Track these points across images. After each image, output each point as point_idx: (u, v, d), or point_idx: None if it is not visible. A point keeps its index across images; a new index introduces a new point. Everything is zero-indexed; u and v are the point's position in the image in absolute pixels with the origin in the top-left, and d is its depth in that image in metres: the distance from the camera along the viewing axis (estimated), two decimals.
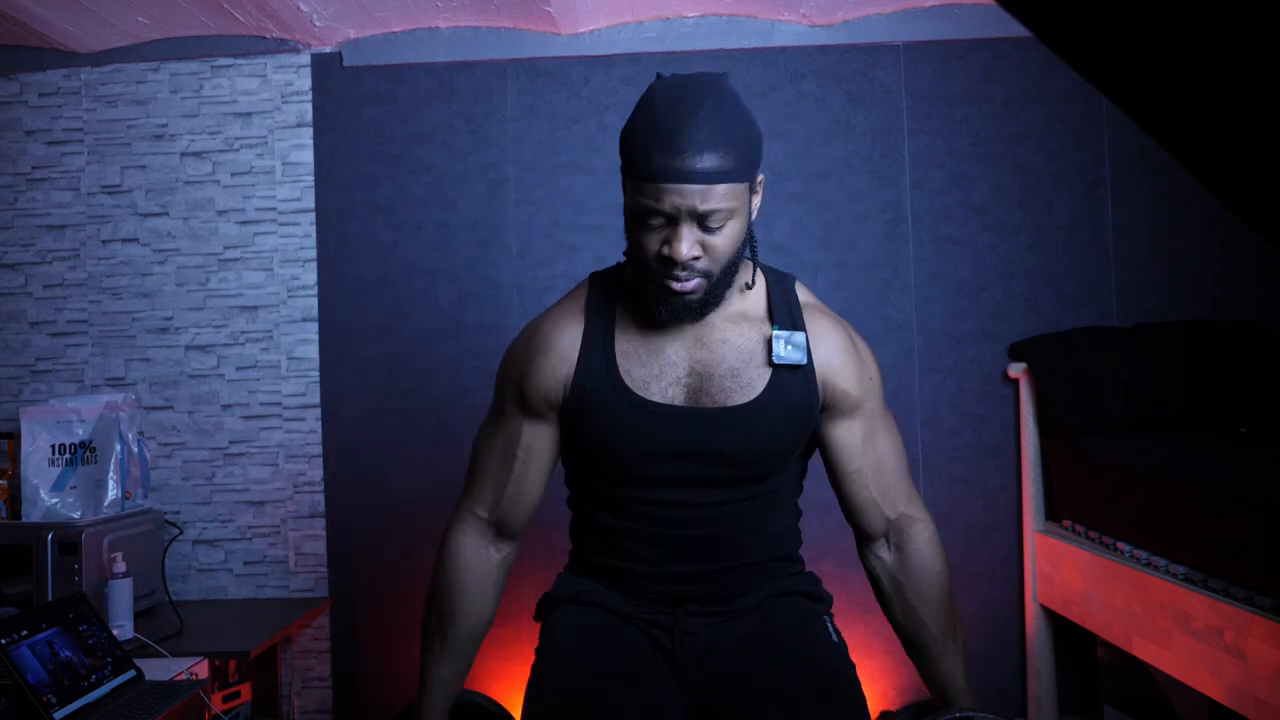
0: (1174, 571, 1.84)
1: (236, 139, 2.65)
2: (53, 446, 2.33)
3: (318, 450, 2.61)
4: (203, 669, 1.97)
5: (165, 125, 2.66)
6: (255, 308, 2.64)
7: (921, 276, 2.57)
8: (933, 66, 2.58)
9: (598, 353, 1.27)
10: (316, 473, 2.61)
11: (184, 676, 1.89)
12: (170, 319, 2.65)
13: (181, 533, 2.57)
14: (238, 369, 2.64)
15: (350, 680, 2.58)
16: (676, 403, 1.25)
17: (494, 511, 1.34)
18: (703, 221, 1.14)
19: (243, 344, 2.64)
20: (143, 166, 2.66)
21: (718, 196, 1.12)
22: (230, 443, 2.64)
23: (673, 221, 1.14)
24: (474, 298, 2.60)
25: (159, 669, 1.88)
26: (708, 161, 1.11)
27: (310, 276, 2.64)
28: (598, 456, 1.29)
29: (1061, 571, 2.29)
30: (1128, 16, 0.37)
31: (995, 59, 2.57)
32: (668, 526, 1.28)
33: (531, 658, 1.36)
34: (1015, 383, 2.53)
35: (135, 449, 2.43)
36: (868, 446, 1.32)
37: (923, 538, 1.33)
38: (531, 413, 1.31)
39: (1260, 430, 2.32)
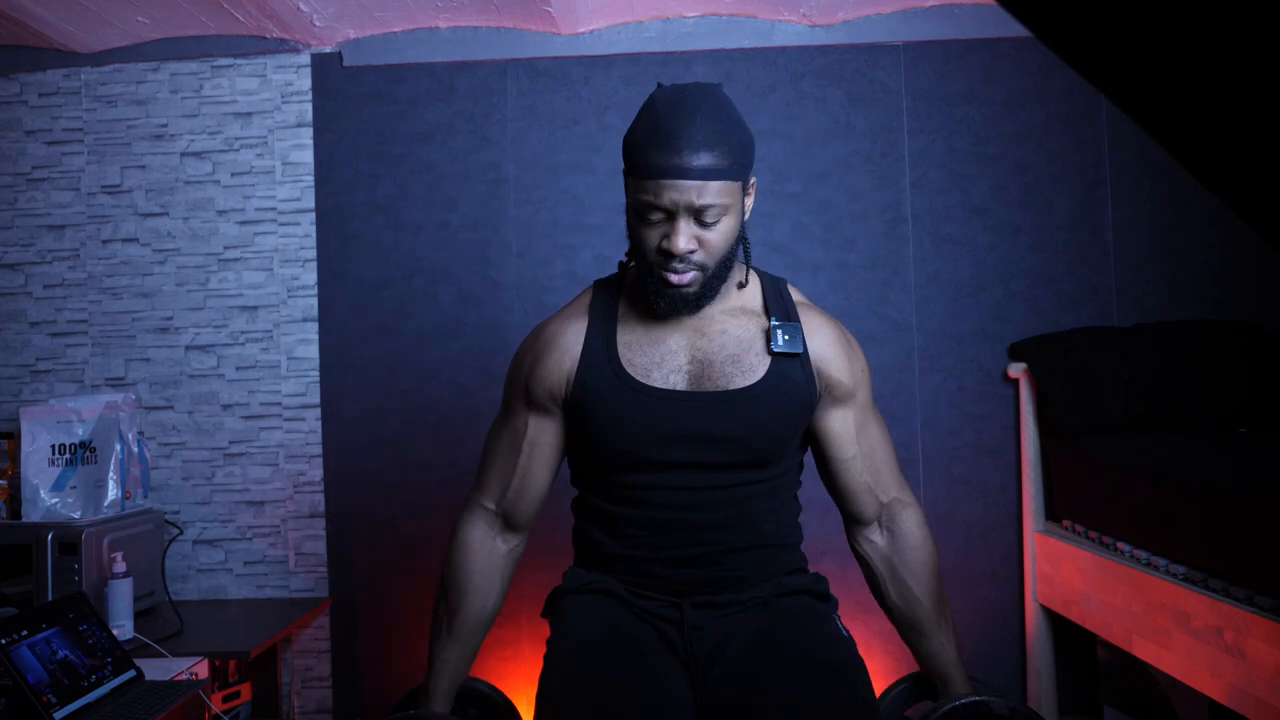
0: (1174, 571, 1.84)
1: (236, 139, 2.65)
2: (53, 446, 2.33)
3: (318, 450, 2.61)
4: (203, 669, 1.97)
5: (165, 125, 2.66)
6: (255, 308, 2.64)
7: (921, 276, 2.57)
8: (933, 66, 2.58)
9: (600, 345, 1.33)
10: (316, 473, 2.61)
11: (184, 676, 1.89)
12: (170, 319, 2.65)
13: (181, 533, 2.57)
14: (238, 369, 2.64)
15: (350, 680, 2.58)
16: (679, 388, 1.30)
17: (501, 504, 1.40)
18: (699, 216, 1.22)
19: (243, 344, 2.64)
20: (143, 166, 2.67)
21: (713, 192, 1.21)
22: (230, 443, 2.64)
23: (671, 216, 1.23)
24: (474, 298, 2.60)
25: (159, 669, 1.88)
26: (704, 160, 1.20)
27: (310, 276, 2.64)
28: (602, 443, 1.33)
29: (1061, 571, 2.29)
30: (1128, 16, 0.37)
31: (995, 59, 2.57)
32: (672, 511, 1.32)
33: (533, 658, 1.36)
34: (1015, 383, 2.53)
35: (135, 449, 2.43)
36: (861, 435, 1.39)
37: (914, 521, 1.41)
38: (537, 408, 1.37)
39: (1260, 430, 2.32)
